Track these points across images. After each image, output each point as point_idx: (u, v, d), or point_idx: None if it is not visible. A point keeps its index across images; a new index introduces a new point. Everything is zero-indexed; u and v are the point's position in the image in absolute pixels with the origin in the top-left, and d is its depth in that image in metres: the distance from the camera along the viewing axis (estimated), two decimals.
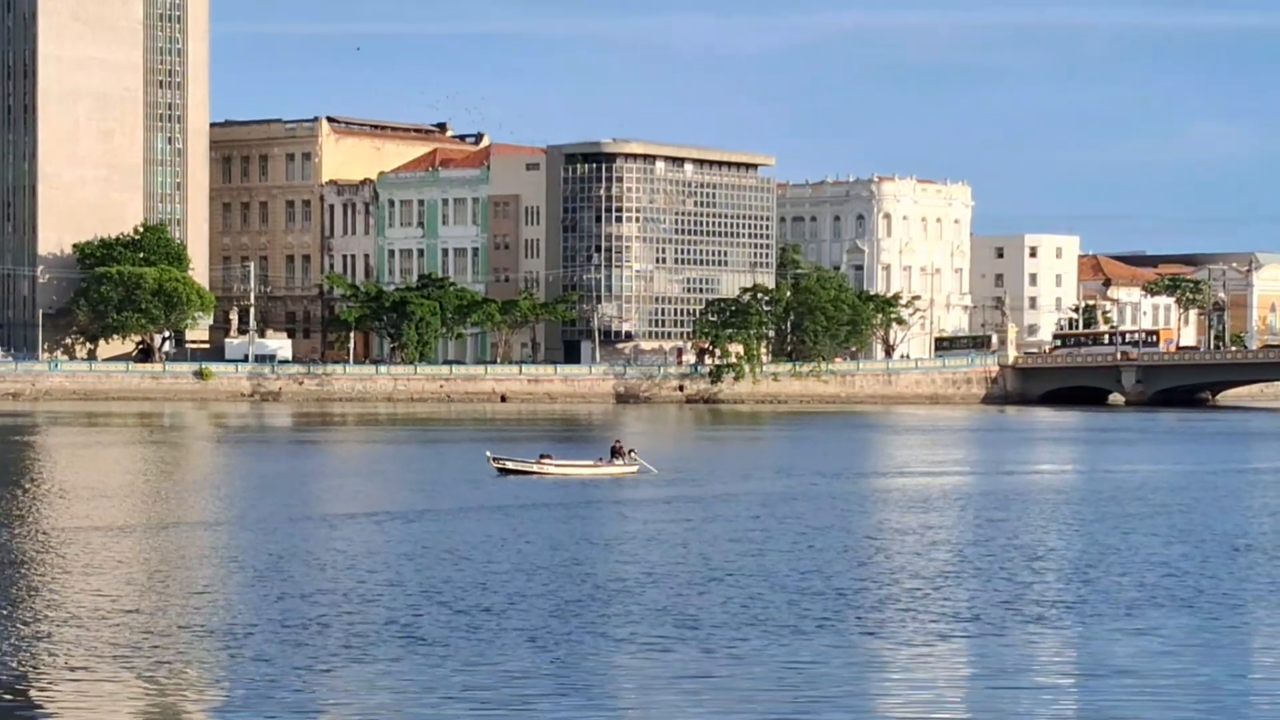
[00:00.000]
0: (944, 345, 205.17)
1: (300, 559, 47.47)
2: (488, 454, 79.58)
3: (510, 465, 77.27)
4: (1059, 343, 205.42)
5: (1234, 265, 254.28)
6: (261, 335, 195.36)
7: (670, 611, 38.65)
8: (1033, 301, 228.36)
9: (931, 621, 37.91)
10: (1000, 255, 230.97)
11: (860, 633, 36.54)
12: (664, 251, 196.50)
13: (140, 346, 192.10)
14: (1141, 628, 37.44)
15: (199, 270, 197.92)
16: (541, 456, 78.59)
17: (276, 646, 34.13)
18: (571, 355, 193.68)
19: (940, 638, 36.19)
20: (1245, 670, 33.39)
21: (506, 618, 37.60)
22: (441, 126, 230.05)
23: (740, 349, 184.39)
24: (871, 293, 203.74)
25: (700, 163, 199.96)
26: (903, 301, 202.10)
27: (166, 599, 40.02)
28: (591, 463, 79.34)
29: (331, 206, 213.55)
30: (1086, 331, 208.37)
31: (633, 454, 79.03)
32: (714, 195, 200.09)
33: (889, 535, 55.26)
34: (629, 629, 36.47)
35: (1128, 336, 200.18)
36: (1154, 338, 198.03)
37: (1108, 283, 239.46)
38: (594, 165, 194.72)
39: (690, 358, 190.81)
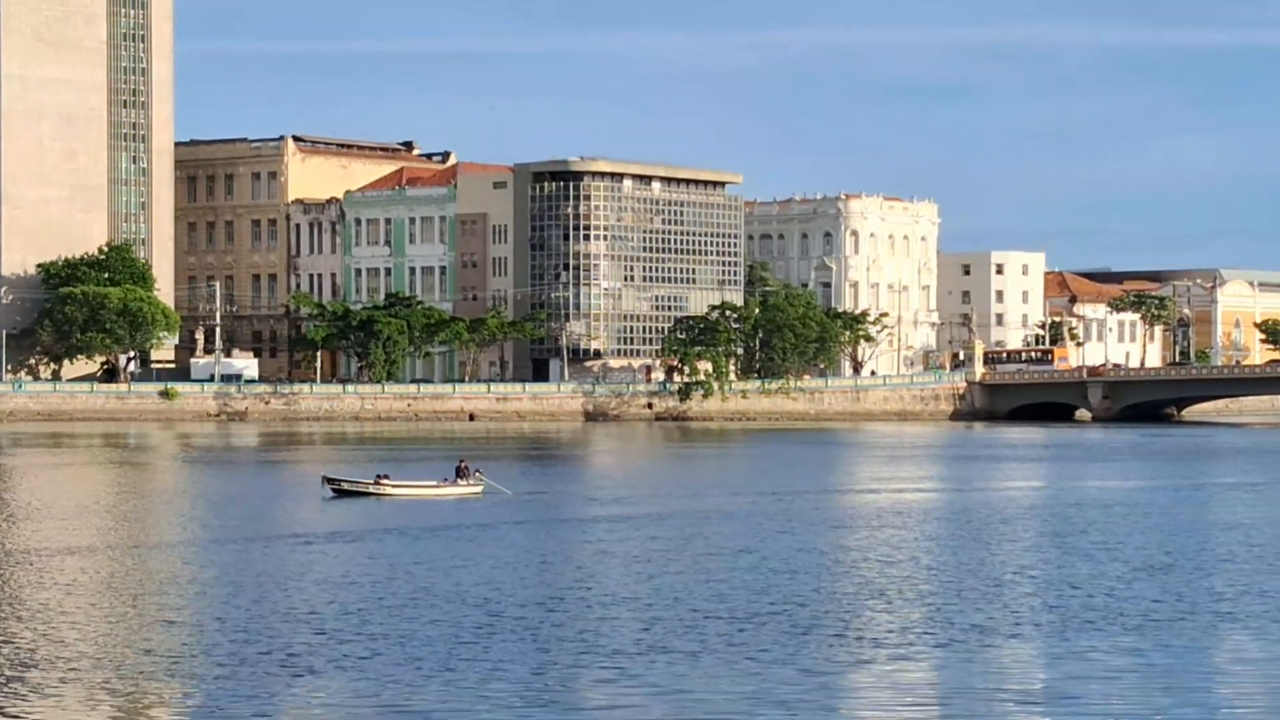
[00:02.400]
0: (1006, 359, 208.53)
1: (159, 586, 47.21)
2: (323, 475, 77.86)
3: (346, 486, 75.66)
4: (1005, 357, 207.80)
5: (1199, 282, 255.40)
6: (227, 355, 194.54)
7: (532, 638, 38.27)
8: (999, 318, 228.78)
9: (831, 647, 37.38)
10: (967, 272, 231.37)
11: (729, 659, 35.88)
12: (632, 269, 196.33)
13: (105, 367, 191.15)
14: (1050, 649, 37.08)
15: (164, 290, 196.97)
16: (378, 477, 76.74)
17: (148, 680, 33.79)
18: (540, 373, 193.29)
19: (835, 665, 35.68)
20: (1165, 691, 32.83)
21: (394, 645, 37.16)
22: (408, 145, 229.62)
23: (709, 366, 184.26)
24: (839, 310, 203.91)
25: (668, 180, 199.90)
26: (870, 319, 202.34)
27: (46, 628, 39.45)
28: (434, 483, 77.64)
29: (298, 225, 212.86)
30: (990, 350, 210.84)
31: (479, 474, 77.38)
32: (682, 213, 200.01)
33: (799, 555, 54.38)
34: (518, 655, 36.10)
35: (1023, 355, 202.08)
36: (1049, 356, 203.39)
37: (1074, 299, 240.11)
38: (561, 183, 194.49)
39: (659, 375, 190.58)
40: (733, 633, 38.74)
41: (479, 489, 76.29)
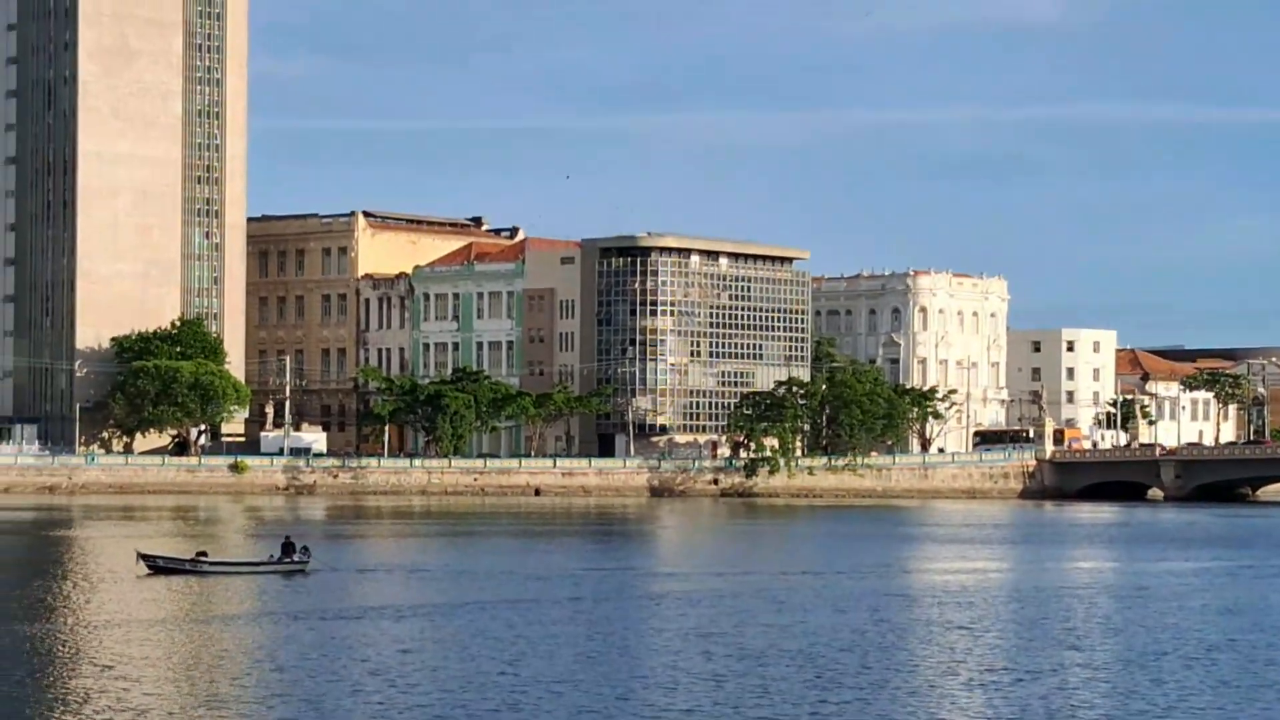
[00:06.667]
0: (991, 438, 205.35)
1: None
2: (136, 550, 76.00)
3: (162, 563, 73.77)
4: (979, 439, 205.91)
5: (1273, 360, 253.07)
6: (297, 428, 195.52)
7: None
8: (1070, 395, 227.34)
9: None
10: (1037, 349, 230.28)
11: None
12: (699, 345, 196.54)
13: (176, 440, 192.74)
14: None
15: (235, 363, 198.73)
16: (197, 554, 75.42)
17: None
18: (606, 448, 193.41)
19: None
20: None
21: None
22: (477, 220, 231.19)
23: (775, 442, 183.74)
24: (907, 386, 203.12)
25: (735, 256, 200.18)
26: (939, 395, 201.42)
27: None
28: (258, 560, 76.76)
29: (367, 300, 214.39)
30: (1003, 430, 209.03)
31: (305, 550, 76.16)
32: (749, 288, 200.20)
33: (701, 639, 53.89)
34: None
35: (1028, 434, 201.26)
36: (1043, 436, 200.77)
37: (1146, 377, 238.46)
38: (628, 259, 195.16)
39: (725, 451, 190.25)
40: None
41: (304, 566, 75.07)
